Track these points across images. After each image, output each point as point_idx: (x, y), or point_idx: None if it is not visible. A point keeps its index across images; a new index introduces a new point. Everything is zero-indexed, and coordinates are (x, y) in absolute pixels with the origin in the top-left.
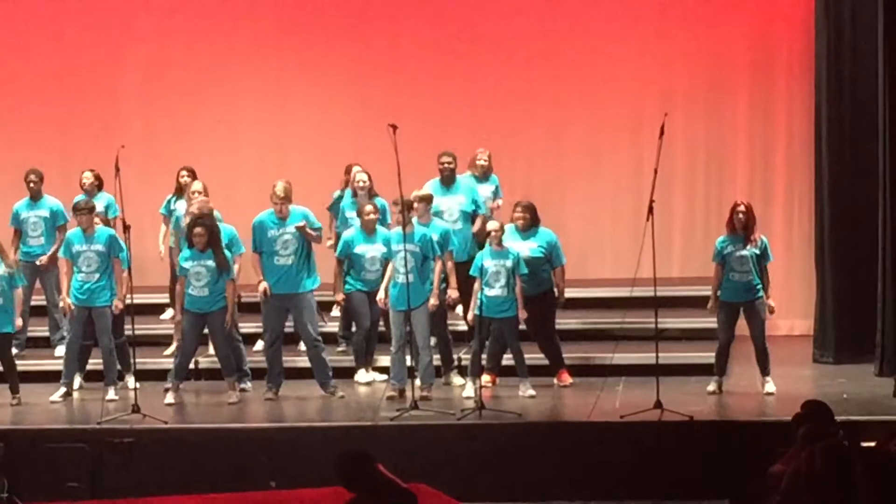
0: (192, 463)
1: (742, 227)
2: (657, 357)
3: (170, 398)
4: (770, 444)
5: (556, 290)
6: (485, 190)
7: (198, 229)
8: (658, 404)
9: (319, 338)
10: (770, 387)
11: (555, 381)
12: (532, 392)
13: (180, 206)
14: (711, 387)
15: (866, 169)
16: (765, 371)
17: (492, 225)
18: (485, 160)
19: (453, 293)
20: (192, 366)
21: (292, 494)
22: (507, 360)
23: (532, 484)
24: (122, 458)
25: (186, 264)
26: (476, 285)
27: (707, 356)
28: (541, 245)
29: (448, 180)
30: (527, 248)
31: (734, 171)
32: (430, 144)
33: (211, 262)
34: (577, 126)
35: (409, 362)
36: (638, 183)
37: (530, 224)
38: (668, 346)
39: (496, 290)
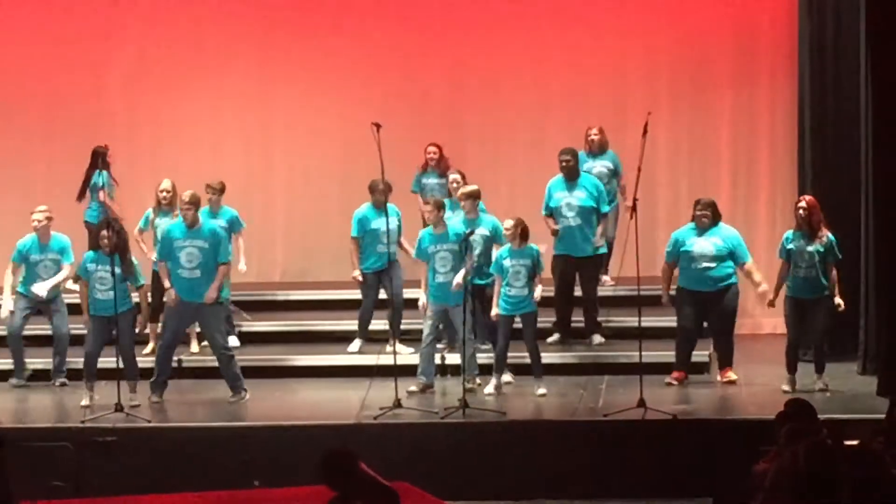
0: (176, 461)
1: (805, 223)
2: (640, 355)
3: (85, 401)
4: (753, 443)
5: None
6: (599, 166)
7: (105, 232)
8: (641, 403)
9: (227, 344)
10: (820, 385)
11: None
12: (543, 391)
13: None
14: (786, 386)
15: (849, 167)
16: (819, 369)
17: (507, 223)
18: (595, 134)
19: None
20: (174, 364)
21: (276, 493)
22: (485, 360)
23: (515, 482)
24: (105, 456)
25: (90, 266)
26: (497, 284)
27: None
28: (725, 243)
29: (571, 176)
30: (710, 244)
31: (718, 169)
32: (414, 143)
33: (116, 268)
34: (560, 125)
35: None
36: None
37: (712, 222)
38: (652, 344)
39: (516, 290)
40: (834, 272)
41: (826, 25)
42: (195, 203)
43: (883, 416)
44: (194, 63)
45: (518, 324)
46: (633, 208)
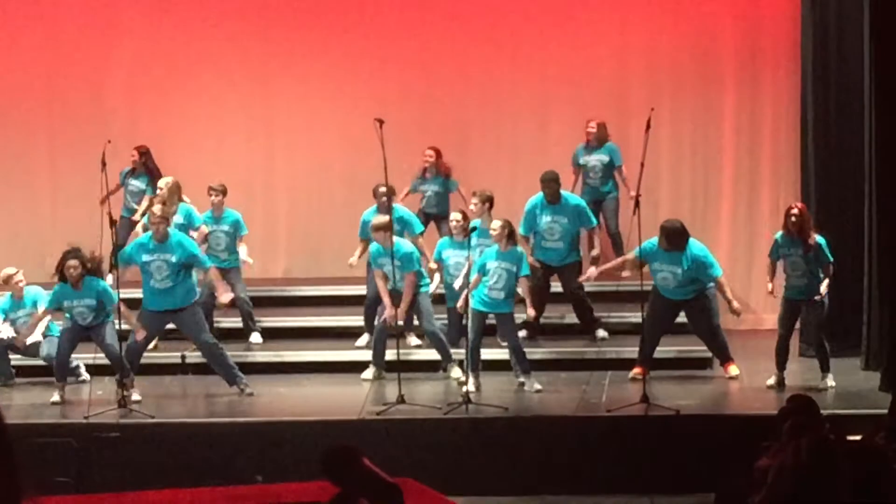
0: (179, 457)
1: (796, 230)
2: None
3: (55, 397)
4: (756, 439)
5: None
6: (594, 160)
7: (72, 261)
8: (644, 398)
9: (214, 341)
10: (829, 382)
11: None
12: (538, 386)
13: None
14: (771, 381)
15: (852, 162)
16: (824, 368)
17: (495, 224)
18: (591, 127)
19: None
20: (178, 360)
21: (278, 488)
22: (489, 354)
23: (518, 478)
24: (109, 452)
25: (66, 303)
26: (474, 280)
27: (692, 350)
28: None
29: (554, 199)
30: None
31: (720, 164)
32: (416, 138)
33: (90, 300)
34: (562, 120)
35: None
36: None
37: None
38: None
39: (495, 291)
40: (825, 271)
41: (829, 20)
42: (166, 218)
43: (886, 411)
44: (196, 60)
45: (491, 320)
46: (636, 204)
